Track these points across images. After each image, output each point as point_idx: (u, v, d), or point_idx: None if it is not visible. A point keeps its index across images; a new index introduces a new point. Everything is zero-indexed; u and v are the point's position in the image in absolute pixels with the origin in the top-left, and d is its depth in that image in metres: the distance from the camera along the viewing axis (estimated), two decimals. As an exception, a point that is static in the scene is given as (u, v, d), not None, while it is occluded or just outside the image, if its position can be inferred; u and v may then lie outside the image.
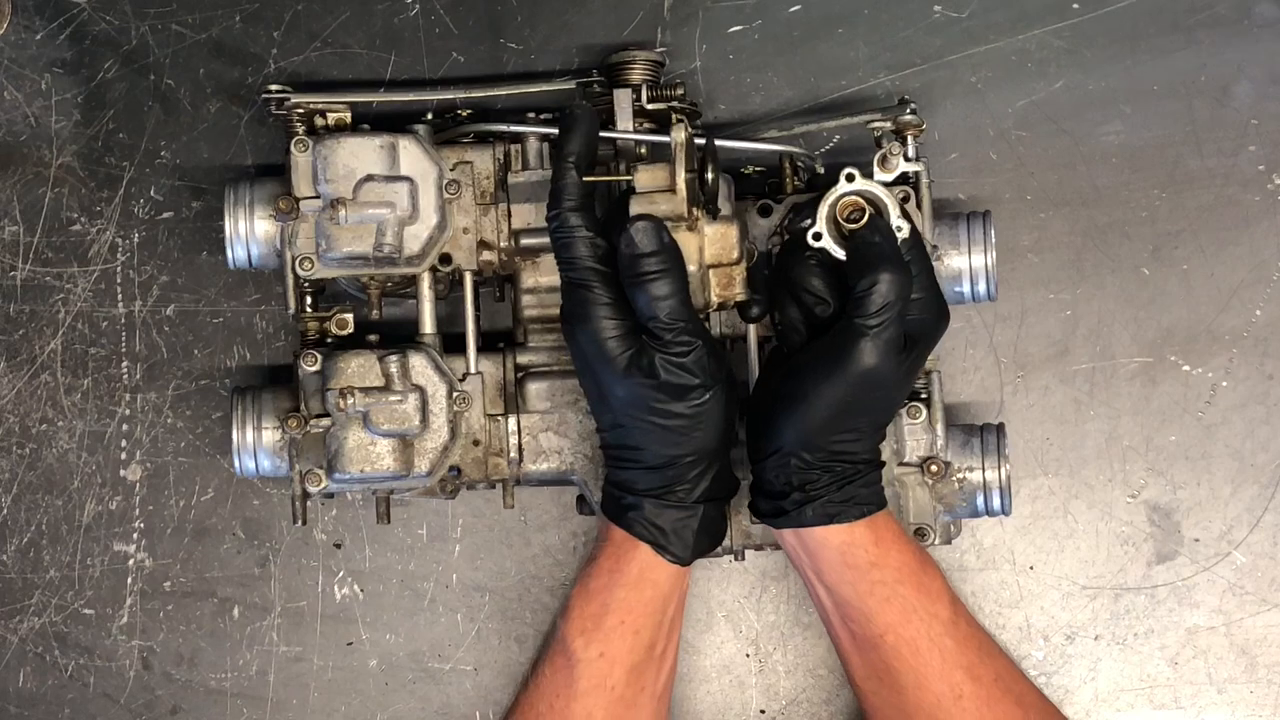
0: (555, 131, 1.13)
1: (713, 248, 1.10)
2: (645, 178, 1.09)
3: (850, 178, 1.09)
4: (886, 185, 1.10)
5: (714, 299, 1.11)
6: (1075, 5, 1.24)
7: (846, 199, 1.09)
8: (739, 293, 1.12)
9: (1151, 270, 1.25)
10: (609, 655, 1.10)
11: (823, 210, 1.09)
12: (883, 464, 1.10)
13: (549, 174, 1.11)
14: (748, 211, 1.17)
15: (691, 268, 1.09)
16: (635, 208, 1.08)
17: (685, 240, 1.09)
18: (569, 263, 1.07)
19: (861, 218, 1.08)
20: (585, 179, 1.07)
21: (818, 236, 1.09)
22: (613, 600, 1.09)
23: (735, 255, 1.11)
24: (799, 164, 1.19)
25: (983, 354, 1.25)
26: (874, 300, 1.04)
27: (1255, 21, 1.24)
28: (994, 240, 1.16)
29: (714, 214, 1.10)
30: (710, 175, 1.08)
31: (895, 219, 1.08)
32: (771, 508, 1.09)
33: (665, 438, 1.07)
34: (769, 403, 1.09)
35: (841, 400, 1.06)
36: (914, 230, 1.09)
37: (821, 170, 1.19)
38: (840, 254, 1.08)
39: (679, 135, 1.08)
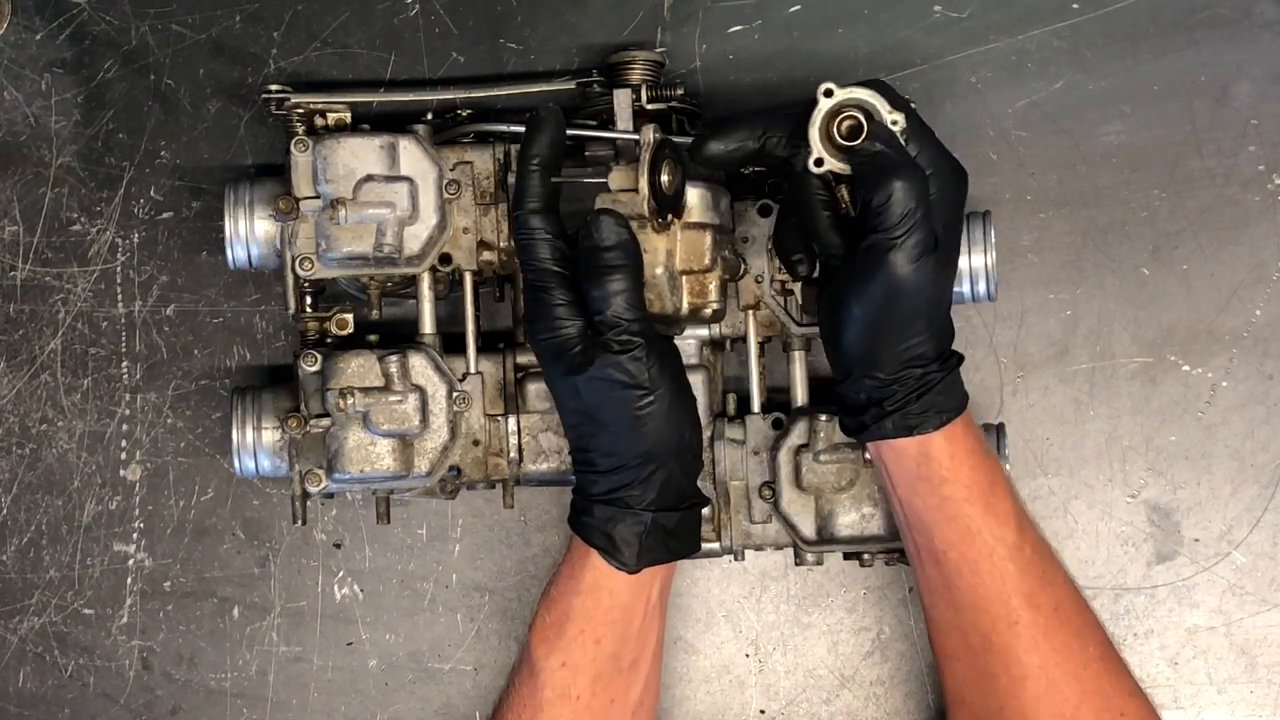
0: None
1: (683, 253, 1.10)
2: (617, 178, 1.09)
3: (829, 93, 1.06)
4: (863, 84, 1.06)
5: (685, 306, 1.11)
6: (1075, 5, 1.24)
7: (841, 117, 1.06)
8: (714, 300, 1.11)
9: (1151, 270, 1.25)
10: (571, 664, 1.09)
11: (814, 134, 1.06)
12: (960, 358, 1.08)
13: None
14: (747, 211, 1.17)
15: (658, 270, 1.09)
16: (599, 204, 1.08)
17: (653, 242, 1.08)
18: (529, 264, 1.07)
19: (860, 133, 1.05)
20: (554, 179, 1.08)
21: (819, 163, 1.06)
22: (571, 608, 1.09)
23: (706, 263, 1.10)
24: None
25: (983, 354, 1.25)
26: (893, 212, 1.02)
27: (1255, 21, 1.24)
28: (994, 240, 1.16)
29: (668, 213, 1.09)
30: (666, 178, 1.08)
31: (888, 115, 1.05)
32: (854, 423, 1.09)
33: (611, 440, 1.07)
34: (827, 329, 1.08)
35: (890, 316, 1.04)
36: (910, 113, 1.06)
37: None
38: (846, 168, 1.06)
39: (646, 135, 1.07)
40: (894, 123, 1.05)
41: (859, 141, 1.05)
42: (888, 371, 1.06)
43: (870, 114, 1.06)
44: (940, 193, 1.06)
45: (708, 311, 1.12)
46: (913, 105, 1.08)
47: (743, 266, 1.16)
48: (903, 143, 1.05)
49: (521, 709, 1.10)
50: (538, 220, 1.07)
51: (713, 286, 1.11)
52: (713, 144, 1.08)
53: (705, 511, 1.16)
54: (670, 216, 1.09)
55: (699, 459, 1.11)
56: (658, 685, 1.14)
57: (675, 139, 1.12)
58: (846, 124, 1.06)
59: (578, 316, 1.06)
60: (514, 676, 1.12)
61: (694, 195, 1.10)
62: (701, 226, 1.10)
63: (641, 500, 1.07)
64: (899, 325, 1.05)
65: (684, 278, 1.10)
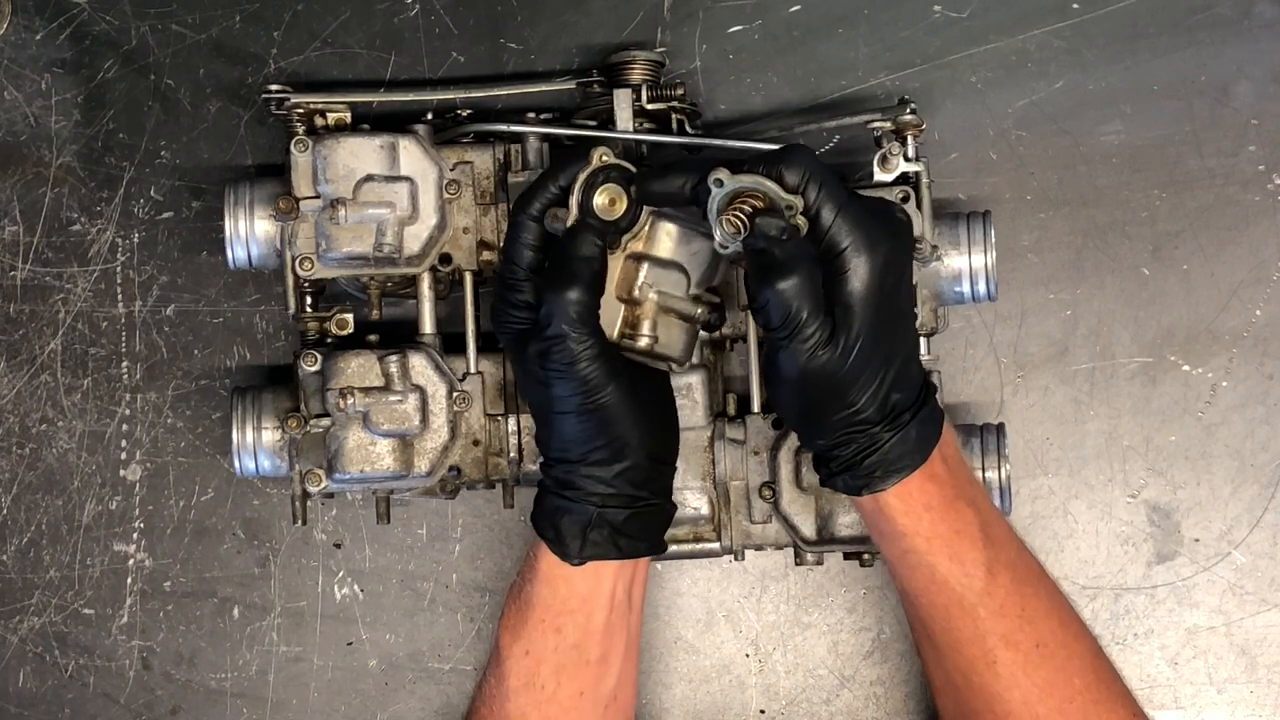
0: (555, 132, 1.16)
1: (618, 278, 1.08)
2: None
3: (719, 183, 1.01)
4: (771, 158, 1.02)
5: (615, 332, 1.08)
6: (1075, 5, 1.24)
7: (739, 202, 1.01)
8: (645, 334, 1.08)
9: (1151, 270, 1.25)
10: (534, 653, 1.09)
11: (712, 219, 1.03)
12: (923, 402, 1.05)
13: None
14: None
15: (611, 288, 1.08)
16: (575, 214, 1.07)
17: (612, 264, 1.08)
18: (509, 258, 1.07)
19: (742, 229, 1.01)
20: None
21: (724, 247, 1.03)
22: (532, 596, 1.09)
23: (634, 295, 1.08)
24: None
25: (983, 354, 1.25)
26: (772, 315, 1.01)
27: (1255, 21, 1.24)
28: (994, 240, 1.16)
29: (614, 236, 1.07)
30: (602, 200, 1.06)
31: (784, 199, 1.01)
32: (817, 476, 1.09)
33: (558, 431, 1.07)
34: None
35: (812, 397, 1.03)
36: (822, 183, 1.01)
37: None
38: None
39: (593, 156, 1.06)
40: (789, 208, 1.00)
41: (744, 239, 1.01)
42: (828, 438, 1.05)
43: (773, 202, 1.01)
44: (867, 262, 1.01)
45: (642, 343, 1.08)
46: (829, 169, 1.02)
47: (710, 316, 1.11)
48: (801, 226, 1.01)
49: (490, 698, 1.11)
50: (529, 222, 1.07)
51: (645, 324, 1.08)
52: (650, 184, 1.06)
53: (705, 511, 1.16)
54: (622, 239, 1.08)
55: (660, 461, 1.09)
56: (634, 682, 1.14)
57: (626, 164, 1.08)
58: (735, 217, 1.01)
59: (537, 310, 1.06)
60: (485, 668, 1.13)
61: (664, 229, 1.08)
62: (639, 258, 1.08)
63: (589, 494, 1.07)
64: (824, 402, 1.03)
65: (621, 304, 1.09)
